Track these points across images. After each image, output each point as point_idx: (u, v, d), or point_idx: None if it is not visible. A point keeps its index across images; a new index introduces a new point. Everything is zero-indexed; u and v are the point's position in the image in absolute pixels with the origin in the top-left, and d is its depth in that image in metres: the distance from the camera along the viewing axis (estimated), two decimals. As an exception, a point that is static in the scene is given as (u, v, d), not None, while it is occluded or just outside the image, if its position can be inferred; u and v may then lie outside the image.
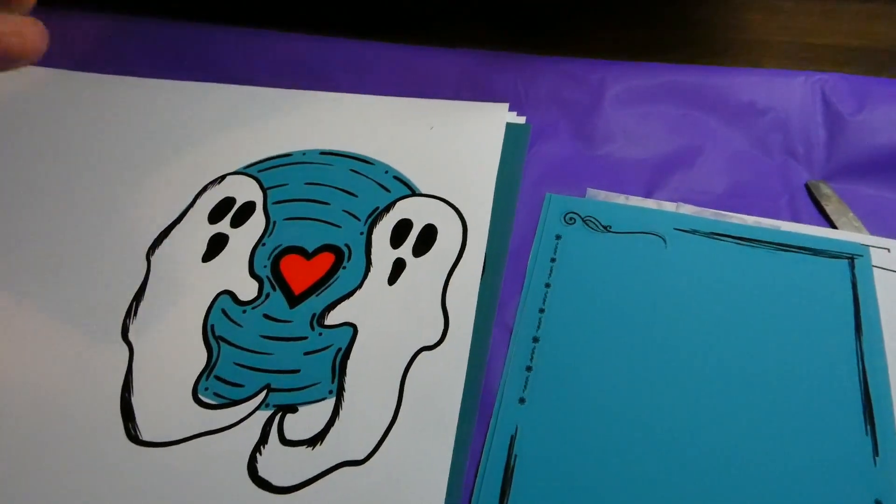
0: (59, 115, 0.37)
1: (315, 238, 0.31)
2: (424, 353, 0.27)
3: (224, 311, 0.29)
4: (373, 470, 0.25)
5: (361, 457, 0.25)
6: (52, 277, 0.30)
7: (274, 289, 0.30)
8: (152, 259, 0.31)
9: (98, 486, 0.25)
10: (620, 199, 0.33)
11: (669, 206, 0.32)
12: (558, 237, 0.31)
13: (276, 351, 0.28)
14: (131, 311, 0.29)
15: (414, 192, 0.33)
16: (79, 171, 0.33)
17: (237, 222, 0.32)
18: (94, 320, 0.29)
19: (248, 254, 0.31)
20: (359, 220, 0.32)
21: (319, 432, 0.26)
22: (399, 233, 0.31)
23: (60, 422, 0.26)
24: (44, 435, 0.26)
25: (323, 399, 0.27)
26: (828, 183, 0.33)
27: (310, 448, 0.25)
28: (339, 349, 0.28)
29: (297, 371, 0.27)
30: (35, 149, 0.35)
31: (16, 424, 0.26)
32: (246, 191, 0.33)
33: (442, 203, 0.32)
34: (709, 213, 0.32)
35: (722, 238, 0.31)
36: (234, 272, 0.30)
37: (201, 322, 0.29)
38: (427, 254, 0.30)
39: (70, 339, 0.29)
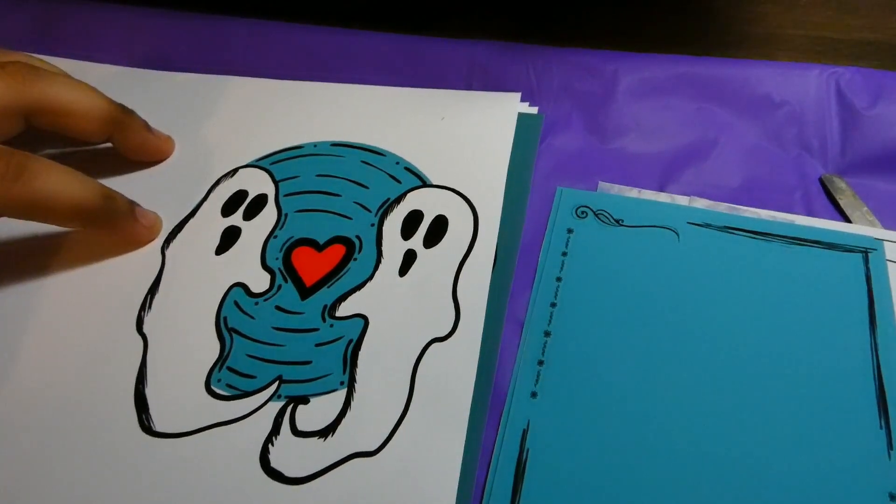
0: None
1: (326, 230, 0.31)
2: (435, 345, 0.27)
3: (237, 304, 0.29)
4: (384, 461, 0.25)
5: (373, 448, 0.25)
6: (69, 271, 0.31)
7: (286, 281, 0.30)
8: (167, 252, 0.31)
9: (112, 477, 0.25)
10: (633, 192, 0.33)
11: (682, 200, 0.32)
12: (570, 231, 0.31)
13: (287, 342, 0.28)
14: (146, 304, 0.29)
15: (425, 183, 0.33)
16: (92, 164, 0.33)
17: (249, 215, 0.32)
18: (109, 313, 0.29)
19: (261, 246, 0.31)
20: (370, 211, 0.32)
21: (331, 423, 0.26)
22: (410, 224, 0.31)
23: (75, 413, 0.27)
24: (59, 426, 0.26)
25: (334, 390, 0.27)
26: (842, 177, 0.33)
27: (321, 439, 0.26)
28: (351, 340, 0.28)
29: (309, 362, 0.28)
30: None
31: (31, 415, 0.27)
32: (258, 183, 0.33)
33: (453, 194, 0.32)
34: (722, 207, 0.32)
35: (735, 232, 0.30)
36: (246, 265, 0.31)
37: (214, 314, 0.29)
38: (438, 245, 0.30)
39: (86, 331, 0.29)
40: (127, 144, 0.33)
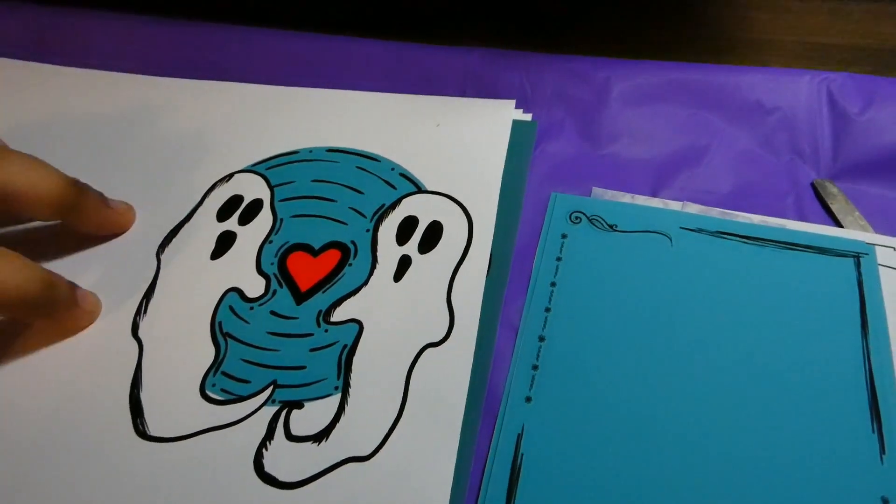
0: (64, 113, 0.37)
1: (321, 235, 0.32)
2: (430, 350, 0.28)
3: (232, 308, 0.29)
4: (378, 466, 0.25)
5: (367, 453, 0.25)
6: (64, 276, 0.30)
7: (281, 286, 0.30)
8: (162, 257, 0.31)
9: (106, 481, 0.25)
10: (626, 198, 0.33)
11: (675, 206, 0.32)
12: (564, 236, 0.31)
13: (282, 347, 0.28)
14: (141, 309, 0.29)
15: (420, 189, 0.33)
16: (87, 170, 0.33)
17: (245, 220, 0.32)
18: (105, 318, 0.29)
19: (256, 251, 0.31)
20: (365, 217, 0.32)
21: (325, 428, 0.26)
22: (405, 230, 0.31)
23: (70, 417, 0.27)
24: (53, 429, 0.26)
25: (329, 395, 0.27)
26: (834, 182, 0.33)
27: (315, 444, 0.26)
28: (345, 346, 0.28)
29: (304, 367, 0.28)
30: (42, 146, 0.35)
31: (27, 418, 0.27)
32: (253, 188, 0.33)
33: (448, 200, 0.32)
34: (715, 212, 0.32)
35: (728, 237, 0.31)
36: (241, 270, 0.31)
37: (209, 319, 0.29)
38: (432, 251, 0.31)
39: (81, 336, 0.29)
40: (82, 226, 0.31)
